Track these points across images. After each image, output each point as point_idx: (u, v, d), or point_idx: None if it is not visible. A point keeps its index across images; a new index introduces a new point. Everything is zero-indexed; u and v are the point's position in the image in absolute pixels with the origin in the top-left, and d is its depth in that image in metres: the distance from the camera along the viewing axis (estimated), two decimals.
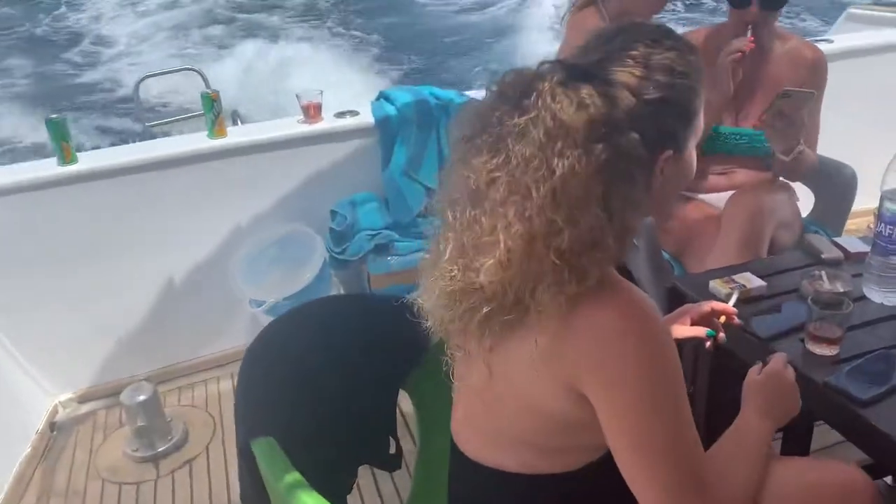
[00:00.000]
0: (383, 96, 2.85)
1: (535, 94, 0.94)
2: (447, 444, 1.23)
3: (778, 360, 1.23)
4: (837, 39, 3.23)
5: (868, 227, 2.38)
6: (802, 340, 1.41)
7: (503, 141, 0.95)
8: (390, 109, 2.75)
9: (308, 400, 1.40)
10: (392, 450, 1.58)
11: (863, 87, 2.97)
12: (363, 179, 2.78)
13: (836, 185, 2.28)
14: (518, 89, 0.97)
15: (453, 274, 1.00)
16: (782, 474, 1.18)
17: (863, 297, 1.55)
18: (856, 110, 2.41)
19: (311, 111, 2.69)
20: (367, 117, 2.76)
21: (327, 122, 2.74)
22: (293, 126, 2.71)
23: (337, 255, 2.69)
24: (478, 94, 2.84)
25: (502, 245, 0.94)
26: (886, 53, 3.24)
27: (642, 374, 0.95)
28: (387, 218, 2.72)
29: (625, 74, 0.99)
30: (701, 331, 1.34)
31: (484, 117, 0.99)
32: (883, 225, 1.47)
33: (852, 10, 3.94)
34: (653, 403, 0.96)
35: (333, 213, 2.74)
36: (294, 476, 1.12)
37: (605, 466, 1.03)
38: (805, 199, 2.35)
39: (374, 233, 2.66)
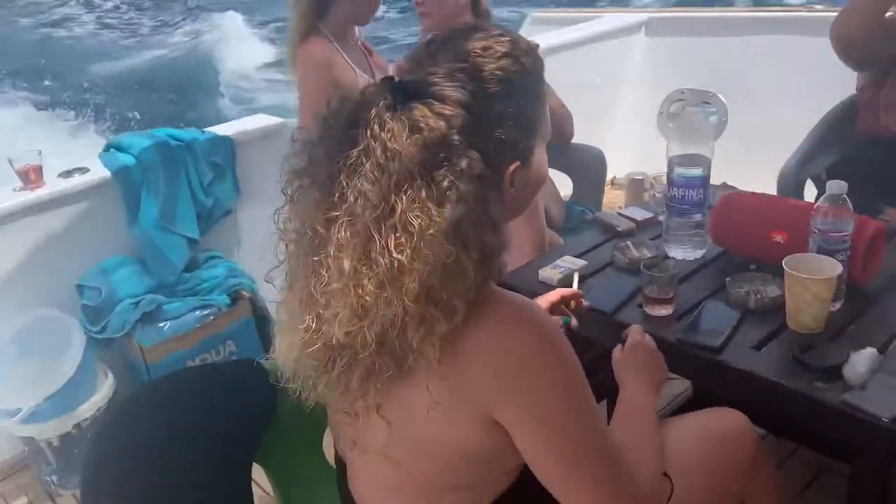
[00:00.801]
0: (114, 146, 2.51)
1: (362, 122, 0.87)
2: None
3: (634, 332, 1.29)
4: (539, 40, 3.54)
5: (652, 196, 2.58)
6: (640, 306, 1.51)
7: (335, 178, 0.86)
8: (127, 159, 2.42)
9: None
10: None
11: (566, 79, 3.30)
12: (110, 242, 2.42)
13: (588, 166, 2.50)
14: (343, 119, 0.89)
15: (307, 325, 0.89)
16: (677, 432, 1.23)
17: (667, 257, 1.69)
18: (565, 100, 2.69)
19: (31, 175, 2.28)
20: (100, 172, 2.41)
21: (52, 186, 2.34)
22: (10, 196, 2.27)
23: (97, 335, 2.30)
24: (219, 129, 2.68)
25: (352, 292, 0.85)
26: (578, 48, 3.64)
27: (557, 389, 0.91)
28: (148, 280, 2.39)
29: (457, 90, 0.91)
30: (556, 321, 1.36)
31: (312, 153, 0.90)
32: (675, 189, 1.62)
33: (535, 14, 4.37)
34: (573, 414, 0.93)
35: (81, 287, 2.35)
36: None
37: (516, 494, 1.00)
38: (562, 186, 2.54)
39: (136, 300, 2.33)
